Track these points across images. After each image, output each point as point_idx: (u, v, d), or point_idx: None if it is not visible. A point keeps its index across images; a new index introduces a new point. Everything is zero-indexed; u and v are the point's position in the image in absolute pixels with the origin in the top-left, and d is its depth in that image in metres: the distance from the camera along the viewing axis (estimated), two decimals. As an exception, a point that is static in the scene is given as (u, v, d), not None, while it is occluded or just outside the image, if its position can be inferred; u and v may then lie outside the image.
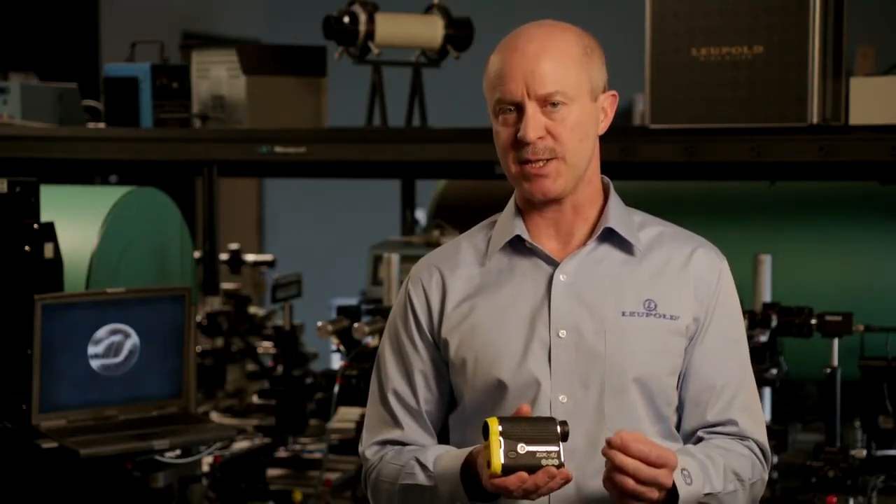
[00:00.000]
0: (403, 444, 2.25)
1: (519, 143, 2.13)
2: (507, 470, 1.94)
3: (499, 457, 1.94)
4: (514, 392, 2.14)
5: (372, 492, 2.27)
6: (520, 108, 2.13)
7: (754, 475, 2.19)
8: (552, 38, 2.15)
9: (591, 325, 2.15)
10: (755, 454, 2.21)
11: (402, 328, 2.26)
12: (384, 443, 2.26)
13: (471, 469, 2.08)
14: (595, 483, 2.10)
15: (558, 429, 1.98)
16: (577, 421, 2.10)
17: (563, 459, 1.97)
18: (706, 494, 2.08)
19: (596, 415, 2.13)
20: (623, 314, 2.16)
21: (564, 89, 2.12)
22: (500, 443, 1.94)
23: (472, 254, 2.25)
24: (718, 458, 2.13)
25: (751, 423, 2.22)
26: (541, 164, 2.13)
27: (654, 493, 2.00)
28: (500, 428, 1.95)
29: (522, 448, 1.95)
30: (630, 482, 1.98)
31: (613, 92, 2.21)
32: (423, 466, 2.16)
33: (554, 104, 2.12)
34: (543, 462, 1.96)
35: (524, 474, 1.96)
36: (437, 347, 2.23)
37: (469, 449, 2.11)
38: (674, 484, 2.02)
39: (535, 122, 2.12)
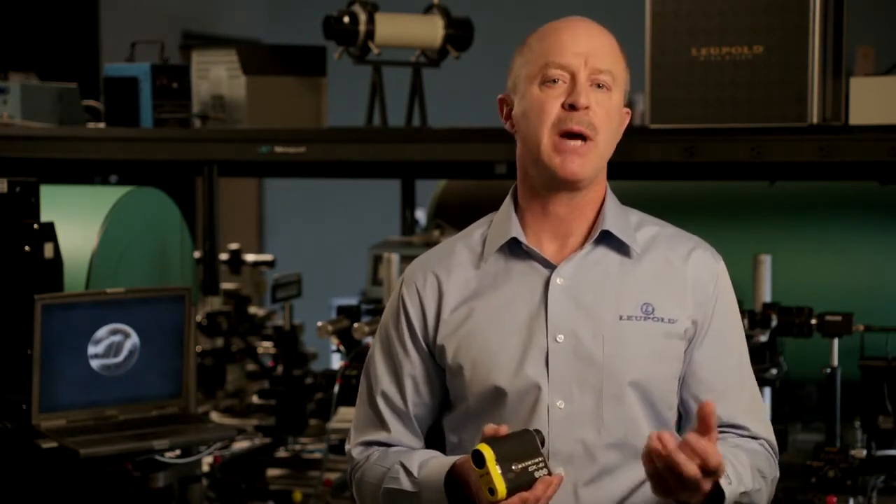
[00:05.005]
0: (389, 445, 2.25)
1: (566, 111, 2.12)
2: (510, 492, 1.96)
3: (502, 482, 1.95)
4: (512, 398, 2.14)
5: (357, 491, 2.28)
6: (573, 78, 2.12)
7: (772, 472, 2.20)
8: (605, 32, 2.19)
9: (588, 330, 2.14)
10: (768, 452, 2.22)
11: (393, 331, 2.24)
12: (370, 443, 2.26)
13: (456, 479, 2.08)
14: (591, 488, 2.11)
15: (536, 438, 2.00)
16: (575, 426, 2.10)
17: (549, 465, 2.00)
18: (742, 493, 2.08)
19: (594, 420, 2.12)
20: (620, 318, 2.15)
21: (615, 72, 2.15)
22: (497, 468, 1.96)
23: (468, 256, 2.23)
24: (744, 457, 2.13)
25: (758, 424, 2.23)
26: (580, 142, 2.11)
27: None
28: (494, 454, 1.97)
29: (516, 466, 1.97)
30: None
31: (628, 110, 2.21)
32: (408, 472, 2.16)
33: (600, 85, 2.13)
34: (536, 474, 1.98)
35: (525, 493, 1.97)
36: (431, 353, 2.22)
37: (453, 458, 2.11)
38: (718, 485, 2.00)
39: (587, 91, 2.12)
